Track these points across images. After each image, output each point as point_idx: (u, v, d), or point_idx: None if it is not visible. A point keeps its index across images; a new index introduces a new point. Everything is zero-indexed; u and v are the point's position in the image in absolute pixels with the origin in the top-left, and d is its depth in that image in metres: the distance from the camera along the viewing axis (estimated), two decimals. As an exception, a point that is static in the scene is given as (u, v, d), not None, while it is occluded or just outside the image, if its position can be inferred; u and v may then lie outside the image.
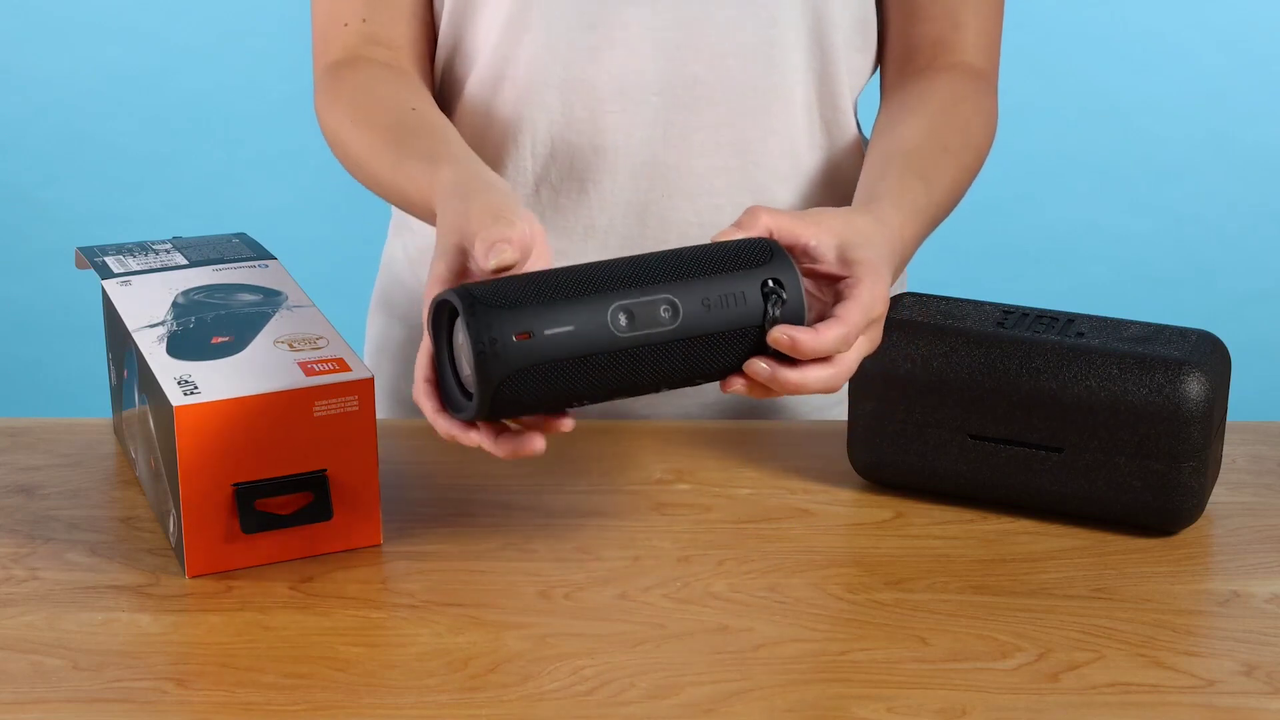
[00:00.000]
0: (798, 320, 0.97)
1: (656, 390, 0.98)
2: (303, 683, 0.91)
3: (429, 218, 1.08)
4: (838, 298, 0.99)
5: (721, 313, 0.96)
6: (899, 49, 1.25)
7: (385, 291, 1.36)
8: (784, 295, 0.97)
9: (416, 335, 1.30)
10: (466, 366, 0.95)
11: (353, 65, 1.21)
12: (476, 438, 0.96)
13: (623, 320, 0.94)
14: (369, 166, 1.16)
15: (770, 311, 0.97)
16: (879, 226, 1.04)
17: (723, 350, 0.96)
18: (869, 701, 0.90)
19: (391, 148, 1.13)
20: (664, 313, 0.95)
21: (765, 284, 0.97)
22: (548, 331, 0.93)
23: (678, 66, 1.19)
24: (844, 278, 1.00)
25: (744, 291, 0.97)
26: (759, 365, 0.97)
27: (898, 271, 1.06)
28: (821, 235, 1.00)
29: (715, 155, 1.21)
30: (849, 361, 0.98)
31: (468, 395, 0.95)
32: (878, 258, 1.01)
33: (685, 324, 0.96)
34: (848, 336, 0.97)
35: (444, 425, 0.97)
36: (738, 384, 0.97)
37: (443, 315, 0.95)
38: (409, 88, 1.20)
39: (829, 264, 1.00)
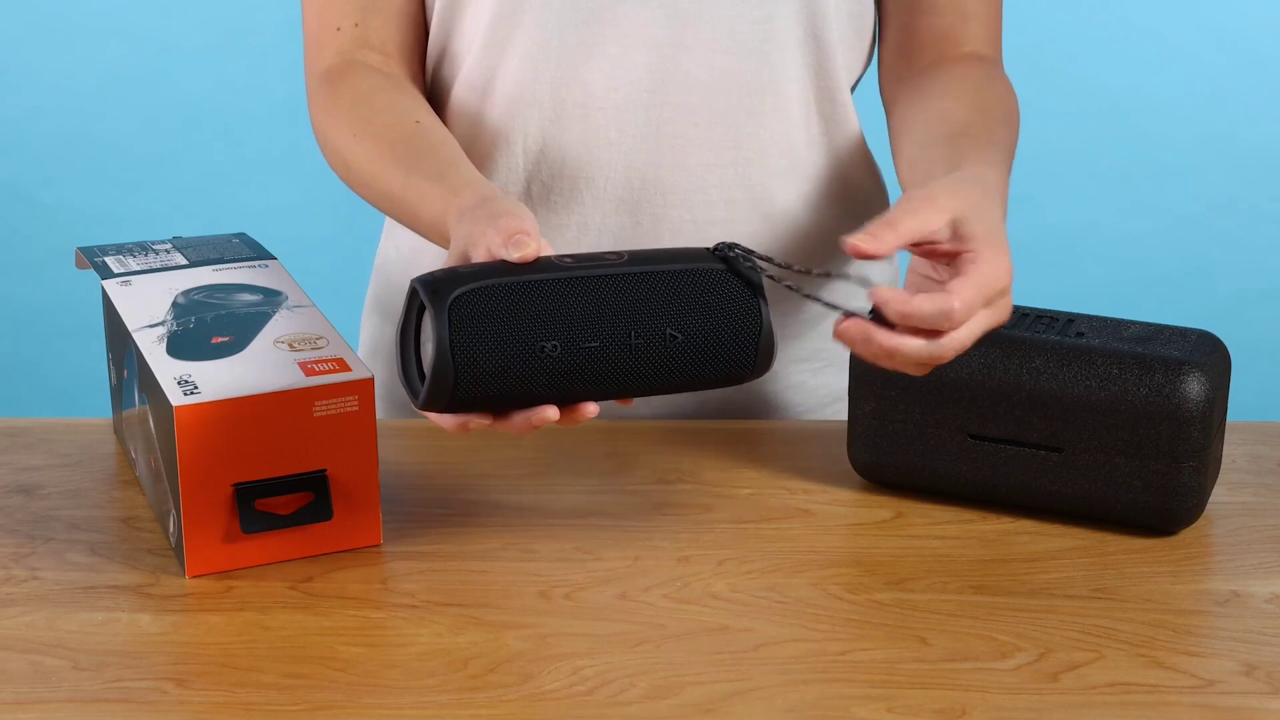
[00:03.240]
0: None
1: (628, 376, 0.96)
2: (303, 683, 0.91)
3: (437, 237, 1.08)
4: (954, 274, 0.96)
5: (670, 256, 0.96)
6: (901, 42, 1.25)
7: (378, 293, 1.36)
8: (738, 252, 0.96)
9: None
10: (429, 346, 0.94)
11: (348, 72, 1.21)
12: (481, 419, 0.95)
13: (569, 262, 0.95)
14: (373, 181, 1.15)
15: (725, 252, 0.96)
16: (984, 192, 1.00)
17: (676, 291, 0.94)
18: (869, 701, 0.90)
19: (398, 164, 1.12)
20: (613, 256, 0.95)
21: (717, 247, 0.97)
22: (491, 281, 0.93)
23: (670, 64, 1.18)
24: (961, 253, 0.96)
25: (694, 253, 0.97)
26: (848, 324, 0.94)
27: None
28: (937, 216, 0.96)
29: (708, 152, 1.21)
30: (960, 339, 0.94)
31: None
32: (993, 227, 0.97)
33: (634, 258, 0.95)
34: (951, 312, 0.93)
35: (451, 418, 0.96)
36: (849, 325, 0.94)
37: (413, 310, 0.95)
38: (408, 97, 1.19)
39: (944, 241, 0.97)
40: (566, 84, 1.19)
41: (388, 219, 1.36)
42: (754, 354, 0.97)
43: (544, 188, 1.23)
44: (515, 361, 0.93)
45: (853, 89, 1.27)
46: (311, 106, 1.23)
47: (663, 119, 1.20)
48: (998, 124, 1.15)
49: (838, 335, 0.96)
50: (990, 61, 1.24)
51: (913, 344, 0.94)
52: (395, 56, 1.24)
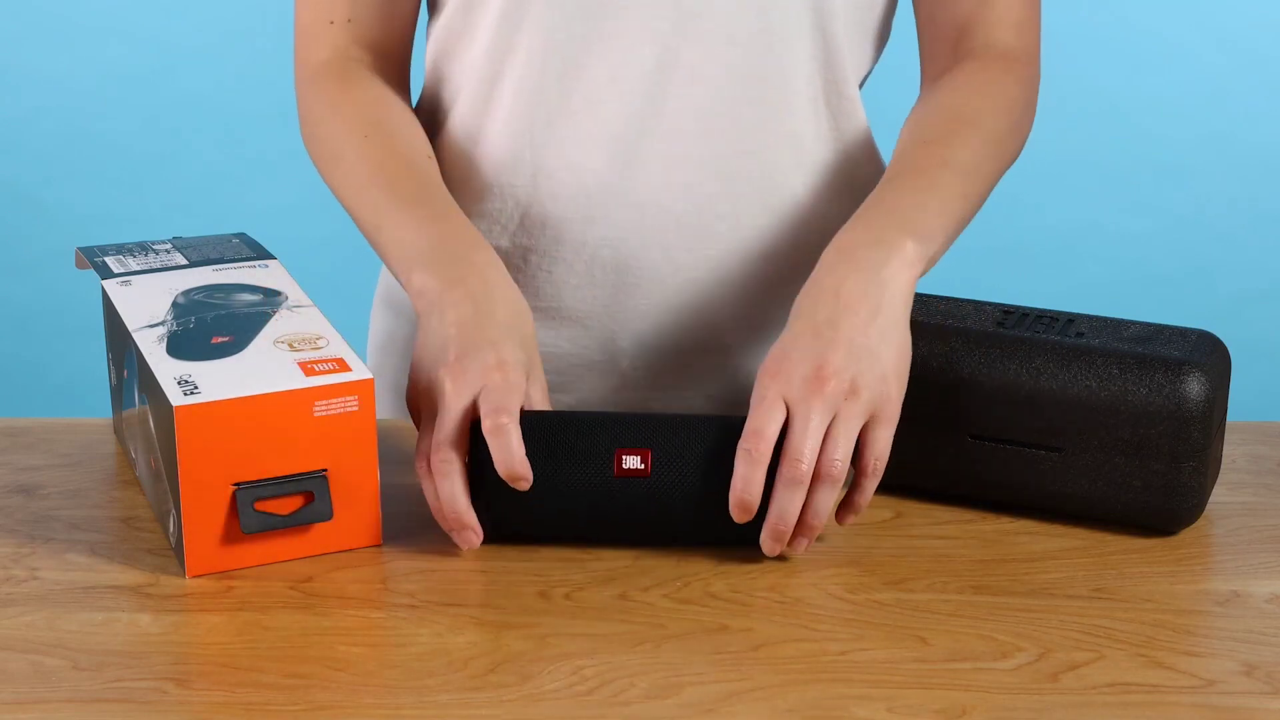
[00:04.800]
0: None
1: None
2: (303, 683, 0.91)
3: (397, 265, 1.12)
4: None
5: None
6: (929, 36, 1.25)
7: (389, 288, 1.36)
8: None
9: None
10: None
11: (346, 74, 1.22)
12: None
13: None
14: (363, 190, 1.17)
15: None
16: (829, 270, 1.06)
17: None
18: (869, 701, 0.90)
19: (394, 185, 1.15)
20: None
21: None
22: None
23: (673, 55, 1.18)
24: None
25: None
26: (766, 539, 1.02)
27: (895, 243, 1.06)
28: (765, 408, 1.02)
29: (712, 144, 1.21)
30: (808, 442, 1.00)
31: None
32: (799, 318, 1.04)
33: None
34: (761, 406, 1.00)
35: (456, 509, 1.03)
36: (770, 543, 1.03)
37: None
38: (413, 122, 1.21)
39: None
40: (571, 76, 1.19)
41: None
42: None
43: (549, 180, 1.22)
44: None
45: (861, 85, 1.27)
46: (305, 97, 1.24)
47: (663, 112, 1.20)
48: (962, 141, 1.15)
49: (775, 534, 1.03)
50: (1011, 56, 1.22)
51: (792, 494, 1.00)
52: (386, 55, 1.25)
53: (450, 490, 1.02)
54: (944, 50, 1.24)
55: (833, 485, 1.00)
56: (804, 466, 1.00)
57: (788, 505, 1.00)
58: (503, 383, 1.03)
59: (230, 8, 3.02)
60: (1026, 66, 1.23)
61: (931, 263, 1.09)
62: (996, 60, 1.22)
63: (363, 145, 1.18)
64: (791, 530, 1.01)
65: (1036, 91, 1.25)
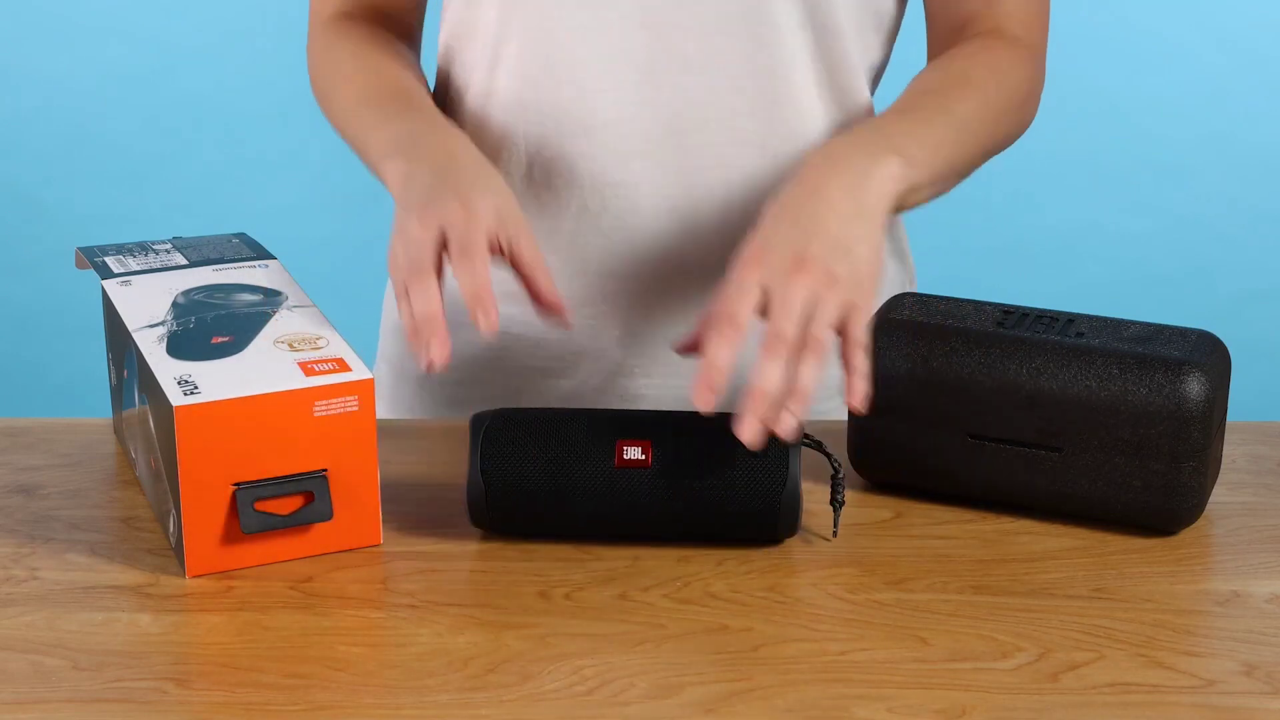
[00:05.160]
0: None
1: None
2: (303, 683, 0.91)
3: (375, 157, 1.15)
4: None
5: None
6: (937, 28, 1.25)
7: None
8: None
9: None
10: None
11: (348, 23, 1.27)
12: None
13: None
14: (361, 128, 1.19)
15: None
16: (810, 164, 1.06)
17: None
18: (869, 701, 0.90)
19: (386, 113, 1.18)
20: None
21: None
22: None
23: (666, 45, 1.18)
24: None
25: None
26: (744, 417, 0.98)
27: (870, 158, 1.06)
28: (740, 291, 1.01)
29: (703, 133, 1.21)
30: (732, 296, 0.99)
31: None
32: (779, 200, 1.04)
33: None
34: (738, 290, 0.99)
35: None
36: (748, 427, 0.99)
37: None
38: (409, 59, 1.26)
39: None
40: (564, 65, 1.19)
41: None
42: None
43: (545, 170, 1.23)
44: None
45: (876, 81, 1.26)
46: (310, 47, 1.29)
47: (660, 101, 1.20)
48: (962, 96, 1.15)
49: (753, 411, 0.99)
50: (1020, 45, 1.22)
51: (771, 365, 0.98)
52: (393, 18, 1.29)
53: (425, 303, 1.01)
54: (952, 41, 1.24)
55: (816, 357, 0.98)
56: (788, 336, 0.98)
57: (772, 376, 0.97)
58: (466, 219, 1.03)
59: (230, 8, 3.02)
60: (1033, 58, 1.23)
61: (914, 191, 1.09)
62: (1004, 44, 1.22)
63: (354, 74, 1.22)
64: (778, 406, 0.98)
65: (1041, 84, 1.25)
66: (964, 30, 1.23)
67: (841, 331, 1.00)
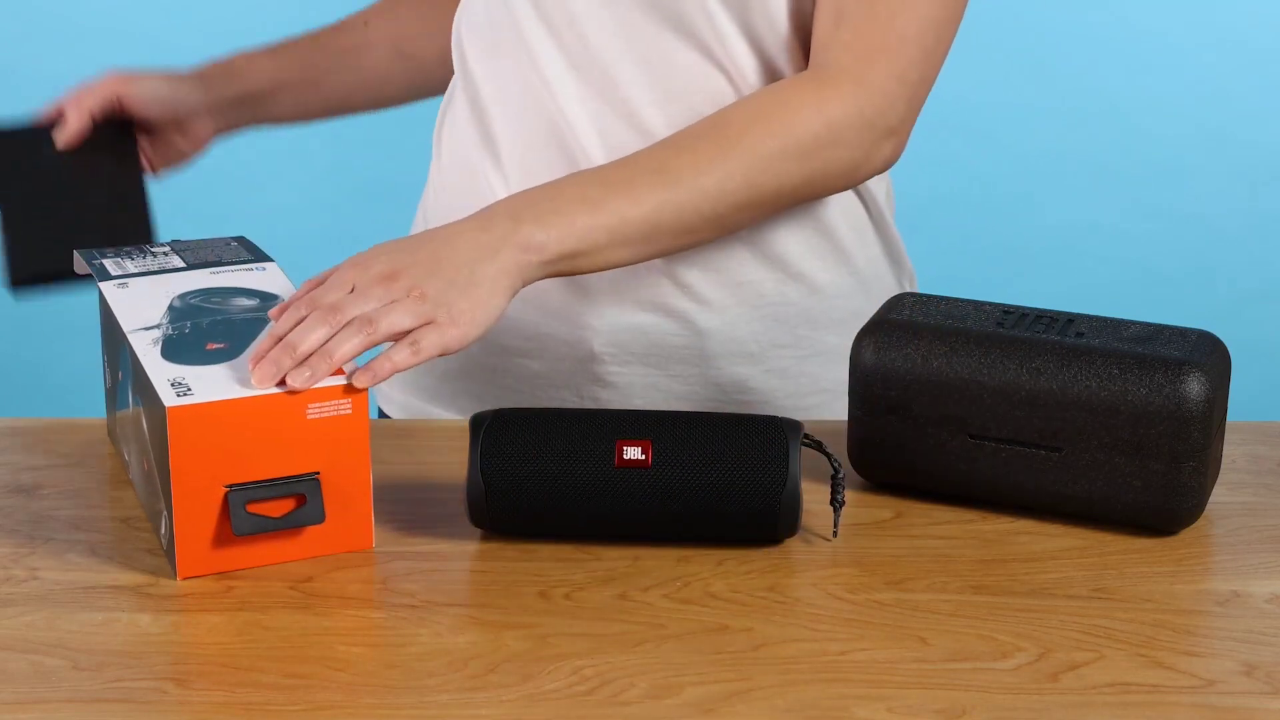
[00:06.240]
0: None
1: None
2: (303, 683, 0.91)
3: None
4: None
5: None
6: (806, 55, 1.22)
7: None
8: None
9: None
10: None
11: None
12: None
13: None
14: None
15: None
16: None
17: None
18: (869, 701, 0.90)
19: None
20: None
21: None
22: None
23: None
24: None
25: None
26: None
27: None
28: None
29: (617, 70, 1.22)
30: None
31: None
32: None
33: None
34: (327, 277, 1.07)
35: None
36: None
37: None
38: (384, 12, 1.48)
39: None
40: (511, 35, 1.25)
41: (422, 198, 1.40)
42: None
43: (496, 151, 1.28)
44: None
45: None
46: None
47: (586, 44, 1.22)
48: (711, 149, 1.14)
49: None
50: (844, 78, 1.17)
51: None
52: None
53: (320, 339, 1.04)
54: (806, 52, 1.22)
55: (363, 335, 1.03)
56: (347, 313, 1.03)
57: (311, 337, 1.02)
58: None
59: (230, 8, 3.02)
60: (858, 94, 1.17)
61: (580, 256, 1.12)
62: (817, 83, 1.18)
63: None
64: (300, 362, 1.02)
65: (870, 118, 1.17)
66: (811, 59, 1.20)
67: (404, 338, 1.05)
